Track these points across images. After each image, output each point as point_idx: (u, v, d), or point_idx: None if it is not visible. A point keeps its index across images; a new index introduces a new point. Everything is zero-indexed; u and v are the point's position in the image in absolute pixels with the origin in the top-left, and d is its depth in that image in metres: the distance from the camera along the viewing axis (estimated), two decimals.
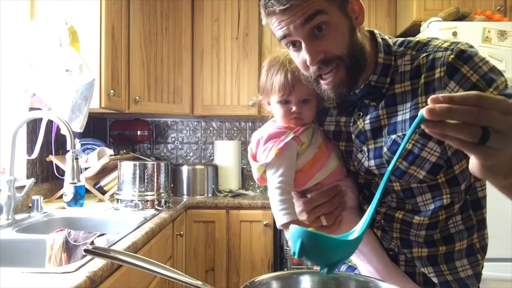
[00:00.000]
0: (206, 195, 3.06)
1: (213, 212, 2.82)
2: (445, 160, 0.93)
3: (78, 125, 2.07)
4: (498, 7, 2.79)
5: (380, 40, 1.00)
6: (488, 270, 2.37)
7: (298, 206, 1.00)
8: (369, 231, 1.02)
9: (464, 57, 0.91)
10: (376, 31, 1.02)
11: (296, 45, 0.92)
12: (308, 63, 0.91)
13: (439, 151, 0.93)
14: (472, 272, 1.01)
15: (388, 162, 0.97)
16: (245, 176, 3.38)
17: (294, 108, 1.05)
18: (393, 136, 0.96)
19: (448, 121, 0.58)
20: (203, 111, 3.18)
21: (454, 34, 2.47)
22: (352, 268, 1.09)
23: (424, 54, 0.95)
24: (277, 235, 2.87)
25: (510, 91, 0.89)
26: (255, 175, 1.08)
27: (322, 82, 0.94)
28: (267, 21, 0.93)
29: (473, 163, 0.64)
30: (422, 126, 0.60)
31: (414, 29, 2.84)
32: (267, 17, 0.92)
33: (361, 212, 1.06)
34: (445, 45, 0.94)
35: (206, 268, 2.82)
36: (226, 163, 3.24)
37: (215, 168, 3.15)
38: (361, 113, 1.01)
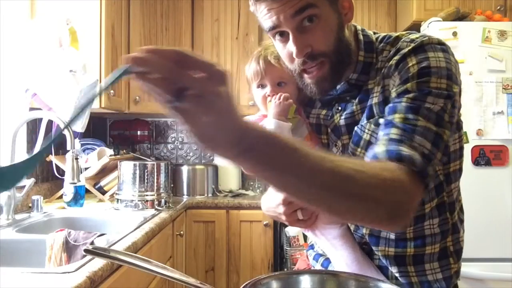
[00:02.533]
0: (206, 195, 3.06)
1: (213, 212, 2.82)
2: None
3: (80, 125, 2.07)
4: (498, 7, 2.79)
5: (361, 37, 0.99)
6: (488, 270, 2.38)
7: (276, 199, 1.01)
8: (345, 226, 1.02)
9: (420, 49, 0.89)
10: (358, 27, 1.00)
11: (283, 35, 0.91)
12: (294, 55, 0.90)
13: None
14: (442, 276, 0.99)
15: (353, 154, 0.97)
16: (245, 176, 3.38)
17: (268, 92, 1.09)
18: (356, 128, 0.96)
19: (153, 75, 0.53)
20: None
21: (454, 34, 2.47)
22: (329, 260, 1.09)
23: (395, 48, 0.93)
24: (277, 235, 2.86)
25: (429, 104, 0.83)
26: None
27: (305, 75, 0.94)
28: (255, 8, 0.91)
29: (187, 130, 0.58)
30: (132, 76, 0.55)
31: (414, 29, 2.83)
32: (256, 3, 0.89)
33: None
34: (414, 37, 0.92)
35: (206, 268, 2.82)
36: (226, 163, 3.24)
37: (215, 168, 3.15)
38: (340, 108, 1.01)
